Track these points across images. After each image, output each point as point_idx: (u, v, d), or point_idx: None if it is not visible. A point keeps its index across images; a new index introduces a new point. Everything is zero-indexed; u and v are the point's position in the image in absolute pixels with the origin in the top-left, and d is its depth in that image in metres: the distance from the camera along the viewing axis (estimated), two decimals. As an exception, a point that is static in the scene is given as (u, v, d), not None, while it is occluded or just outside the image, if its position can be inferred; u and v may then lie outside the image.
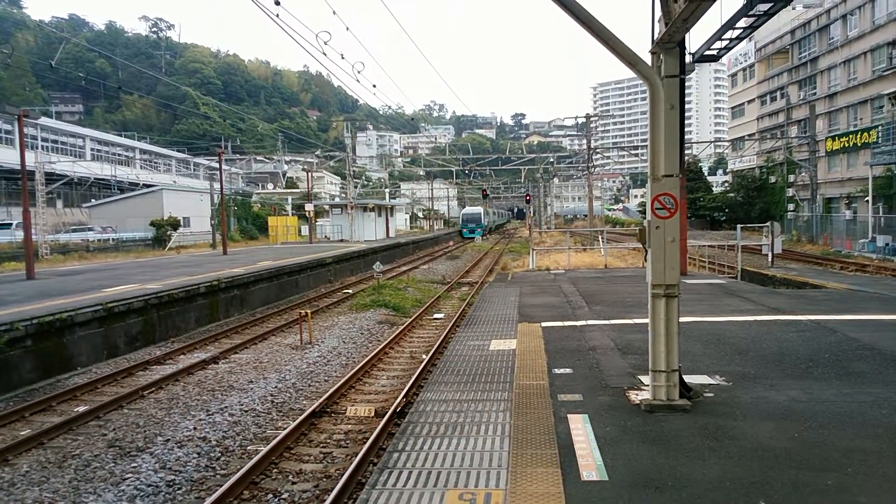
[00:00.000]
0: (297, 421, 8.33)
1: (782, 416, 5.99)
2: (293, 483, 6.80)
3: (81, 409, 9.50)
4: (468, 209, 71.67)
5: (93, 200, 52.91)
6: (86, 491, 6.67)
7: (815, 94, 48.04)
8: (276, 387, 10.48)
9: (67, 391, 10.39)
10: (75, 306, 12.65)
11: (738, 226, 22.21)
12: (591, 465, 4.98)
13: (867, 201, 35.20)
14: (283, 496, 6.48)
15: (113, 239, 42.84)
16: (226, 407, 9.35)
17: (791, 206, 46.55)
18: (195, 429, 8.41)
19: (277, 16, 14.44)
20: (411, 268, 32.82)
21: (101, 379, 11.19)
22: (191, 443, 7.93)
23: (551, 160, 69.47)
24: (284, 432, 7.87)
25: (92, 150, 63.52)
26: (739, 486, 4.55)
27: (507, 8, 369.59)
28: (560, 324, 11.29)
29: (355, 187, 52.31)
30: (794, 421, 5.86)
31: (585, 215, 60.08)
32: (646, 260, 6.40)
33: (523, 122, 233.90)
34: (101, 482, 6.88)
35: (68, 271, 23.21)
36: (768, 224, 22.44)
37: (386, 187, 73.37)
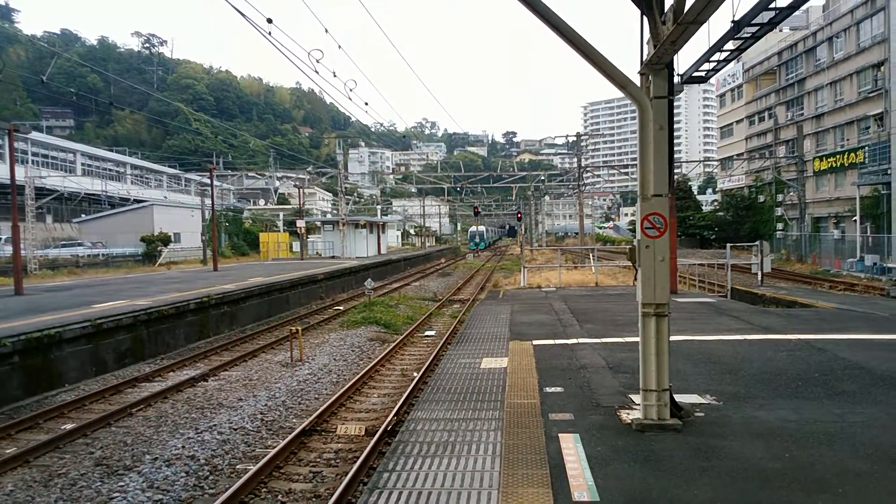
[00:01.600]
0: (287, 439, 8.25)
1: (773, 436, 6.01)
2: (282, 503, 6.73)
3: (68, 426, 9.39)
4: (473, 228, 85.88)
5: (83, 215, 52.73)
6: (71, 511, 6.58)
7: (802, 114, 48.60)
8: (265, 405, 10.41)
9: (54, 408, 10.28)
10: (63, 322, 12.53)
11: (728, 245, 22.30)
12: (581, 485, 4.96)
13: (855, 221, 35.59)
14: (272, 516, 6.42)
15: (103, 254, 42.72)
16: (215, 425, 9.27)
17: (780, 226, 46.97)
18: (184, 447, 8.32)
19: (270, 33, 14.50)
20: (403, 285, 32.78)
21: (89, 396, 11.07)
22: (179, 461, 7.84)
23: (542, 178, 69.97)
24: (274, 451, 7.80)
25: (83, 165, 63.39)
26: (730, 506, 4.54)
27: (499, 28, 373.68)
28: (551, 342, 11.30)
29: (347, 204, 52.30)
30: (785, 441, 5.87)
31: (576, 233, 60.29)
32: (636, 278, 6.42)
33: (515, 140, 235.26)
34: (88, 502, 6.79)
35: (57, 287, 23.03)
36: (757, 243, 22.57)
37: (377, 204, 73.35)
